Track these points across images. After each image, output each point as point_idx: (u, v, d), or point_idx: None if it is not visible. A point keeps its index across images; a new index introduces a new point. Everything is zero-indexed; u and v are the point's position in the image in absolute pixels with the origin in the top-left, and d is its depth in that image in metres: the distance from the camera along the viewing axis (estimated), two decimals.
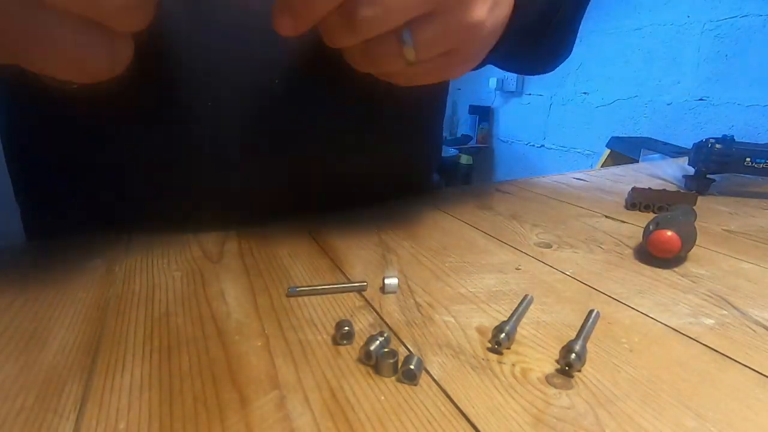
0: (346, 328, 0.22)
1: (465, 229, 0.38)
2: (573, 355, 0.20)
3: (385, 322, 0.24)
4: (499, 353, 0.21)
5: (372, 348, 0.20)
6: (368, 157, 0.42)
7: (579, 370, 0.20)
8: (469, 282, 0.29)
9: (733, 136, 0.52)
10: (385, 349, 0.20)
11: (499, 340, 0.21)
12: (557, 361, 0.21)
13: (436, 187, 0.56)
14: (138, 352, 0.22)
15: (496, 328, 0.22)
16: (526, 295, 0.26)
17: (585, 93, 2.30)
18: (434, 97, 0.48)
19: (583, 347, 0.20)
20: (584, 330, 0.22)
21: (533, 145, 2.66)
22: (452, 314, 0.25)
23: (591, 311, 0.24)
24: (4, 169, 0.41)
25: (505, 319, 0.23)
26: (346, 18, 0.22)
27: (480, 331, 0.23)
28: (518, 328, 0.23)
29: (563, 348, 0.20)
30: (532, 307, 0.26)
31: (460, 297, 0.27)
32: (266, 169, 0.38)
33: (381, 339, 0.21)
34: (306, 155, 0.39)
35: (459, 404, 0.18)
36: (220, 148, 0.36)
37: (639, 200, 0.45)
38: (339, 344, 0.22)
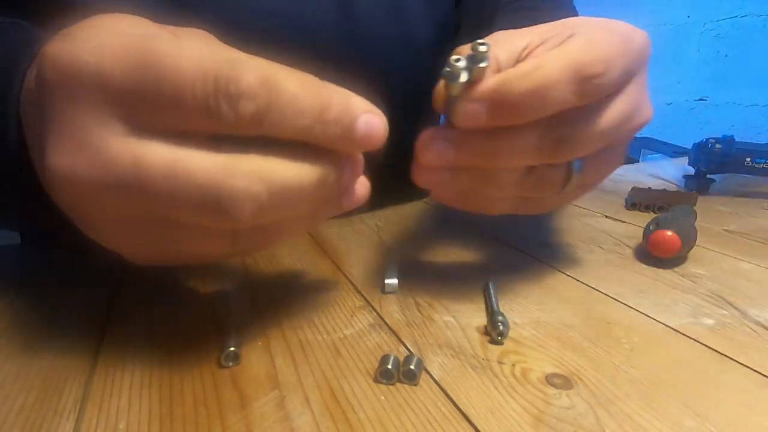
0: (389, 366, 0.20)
1: (465, 229, 0.38)
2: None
3: (385, 322, 0.24)
4: (500, 343, 0.22)
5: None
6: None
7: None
8: (470, 282, 0.29)
9: (733, 136, 0.52)
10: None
11: (501, 332, 0.22)
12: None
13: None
14: (138, 352, 0.22)
15: (489, 324, 0.23)
16: (487, 283, 0.27)
17: None
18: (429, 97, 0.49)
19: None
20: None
21: None
22: (452, 314, 0.25)
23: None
24: None
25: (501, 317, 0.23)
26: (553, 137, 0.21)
27: (480, 331, 0.23)
28: (518, 329, 0.23)
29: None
30: (532, 307, 0.26)
31: (460, 297, 0.27)
32: None
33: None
34: None
35: (459, 404, 0.18)
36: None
37: (639, 200, 0.45)
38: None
